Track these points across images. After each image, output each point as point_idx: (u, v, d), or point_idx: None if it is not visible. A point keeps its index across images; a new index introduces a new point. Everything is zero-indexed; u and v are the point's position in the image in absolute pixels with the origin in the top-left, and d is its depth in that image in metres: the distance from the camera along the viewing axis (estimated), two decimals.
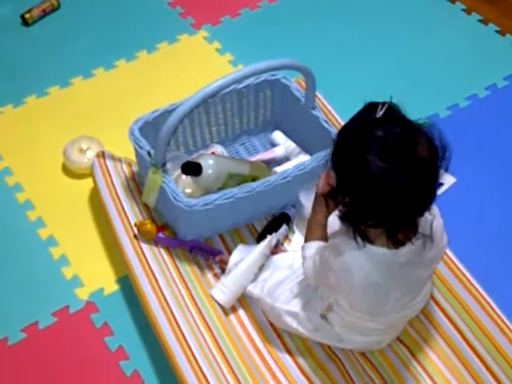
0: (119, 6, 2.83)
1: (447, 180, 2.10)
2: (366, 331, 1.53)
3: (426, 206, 1.28)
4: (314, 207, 1.56)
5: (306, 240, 1.56)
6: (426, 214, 1.31)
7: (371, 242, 1.32)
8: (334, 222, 1.53)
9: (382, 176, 1.19)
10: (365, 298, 1.43)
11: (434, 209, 1.38)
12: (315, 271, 1.48)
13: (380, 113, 1.23)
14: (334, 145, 1.30)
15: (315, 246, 1.51)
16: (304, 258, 1.53)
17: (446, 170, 1.26)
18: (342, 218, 1.32)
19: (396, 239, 1.30)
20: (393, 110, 1.25)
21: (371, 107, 1.26)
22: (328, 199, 1.42)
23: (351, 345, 1.59)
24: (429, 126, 1.25)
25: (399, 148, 1.19)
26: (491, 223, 2.07)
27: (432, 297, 1.70)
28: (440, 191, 1.27)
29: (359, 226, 1.31)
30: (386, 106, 1.24)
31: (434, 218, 1.36)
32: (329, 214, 1.53)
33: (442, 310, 1.70)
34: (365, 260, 1.34)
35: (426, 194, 1.25)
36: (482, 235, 2.03)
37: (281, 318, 1.63)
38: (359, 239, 1.31)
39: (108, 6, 2.83)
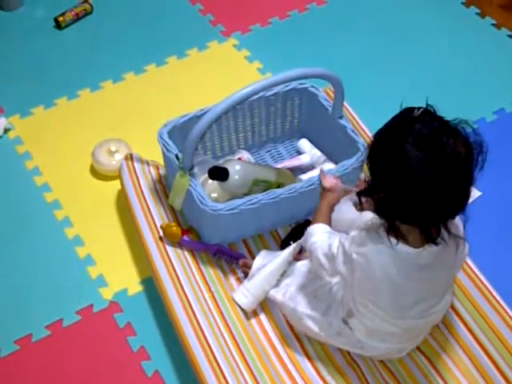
0: (150, 12, 2.87)
1: (472, 193, 2.09)
2: (386, 337, 1.54)
3: (459, 205, 1.29)
4: (319, 203, 1.65)
5: (314, 222, 1.61)
6: (459, 218, 1.33)
7: (404, 238, 1.34)
8: (348, 213, 1.58)
9: (418, 165, 1.22)
10: (380, 293, 1.44)
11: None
12: (328, 253, 1.49)
13: (417, 113, 1.27)
14: (372, 142, 1.34)
15: (325, 227, 1.57)
16: (313, 234, 1.56)
17: (482, 168, 1.28)
18: (376, 212, 1.35)
19: (429, 235, 1.32)
20: (429, 112, 1.29)
21: (408, 110, 1.30)
22: (362, 197, 1.42)
23: (372, 352, 1.60)
24: (464, 125, 1.28)
25: (434, 139, 1.23)
26: None
27: (453, 308, 1.71)
28: None
29: (394, 222, 1.32)
30: (422, 108, 1.28)
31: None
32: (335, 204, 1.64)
33: (463, 321, 1.70)
34: (387, 255, 1.36)
35: (460, 191, 1.27)
36: (506, 249, 2.03)
37: (302, 321, 1.64)
38: (391, 237, 1.33)
39: (139, 11, 2.88)
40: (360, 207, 1.45)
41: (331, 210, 1.64)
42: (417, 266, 1.37)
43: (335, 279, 1.60)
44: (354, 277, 1.44)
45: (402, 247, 1.35)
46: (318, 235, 1.55)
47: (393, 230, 1.34)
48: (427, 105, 1.30)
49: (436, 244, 1.33)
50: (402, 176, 1.24)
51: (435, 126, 1.25)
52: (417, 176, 1.23)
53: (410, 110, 1.29)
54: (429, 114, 1.28)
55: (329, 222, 1.61)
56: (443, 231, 1.31)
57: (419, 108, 1.28)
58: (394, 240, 1.34)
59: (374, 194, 1.34)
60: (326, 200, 1.66)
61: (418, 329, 1.56)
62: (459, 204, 1.29)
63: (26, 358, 1.80)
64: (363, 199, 1.39)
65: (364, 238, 1.39)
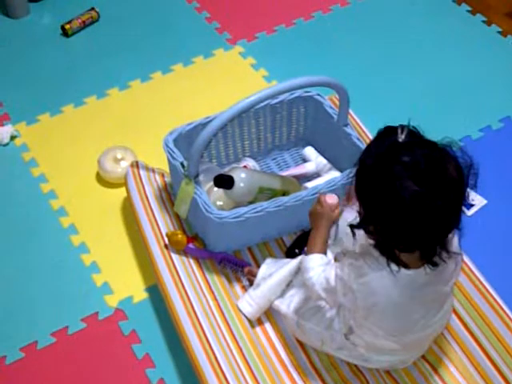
0: (157, 20, 2.87)
1: (478, 201, 2.10)
2: (389, 352, 1.53)
3: (455, 225, 1.28)
4: (316, 223, 1.58)
5: (309, 253, 1.56)
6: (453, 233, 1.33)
7: (404, 265, 1.33)
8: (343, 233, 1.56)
9: (417, 201, 1.19)
10: (384, 317, 1.43)
11: None
12: (327, 288, 1.47)
13: (402, 137, 1.24)
14: (359, 174, 1.30)
15: (320, 257, 1.53)
16: (309, 268, 1.52)
17: (475, 187, 1.26)
18: (376, 246, 1.33)
19: (431, 261, 1.31)
20: (413, 133, 1.26)
21: (389, 131, 1.27)
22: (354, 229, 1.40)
23: (376, 364, 1.60)
24: (452, 145, 1.26)
25: (431, 171, 1.20)
26: None
27: (457, 315, 1.71)
28: (471, 212, 1.27)
29: (393, 252, 1.31)
30: (406, 129, 1.25)
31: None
32: (331, 227, 1.57)
33: (467, 328, 1.70)
34: (388, 280, 1.35)
35: (457, 213, 1.26)
36: (504, 251, 2.03)
37: (305, 334, 1.63)
38: (392, 265, 1.32)
39: (146, 19, 2.88)
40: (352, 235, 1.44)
41: (329, 231, 1.59)
42: (418, 284, 1.36)
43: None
44: (356, 305, 1.43)
45: (403, 271, 1.34)
46: (315, 270, 1.51)
47: (393, 259, 1.32)
48: (409, 126, 1.26)
49: (437, 265, 1.32)
50: (400, 211, 1.21)
51: (427, 154, 1.21)
52: (416, 209, 1.20)
53: (391, 131, 1.25)
54: (413, 136, 1.25)
55: (325, 247, 1.57)
56: (441, 251, 1.30)
57: (402, 128, 1.24)
58: (394, 267, 1.33)
59: (368, 226, 1.32)
60: (325, 219, 1.56)
61: (419, 341, 1.55)
62: (454, 224, 1.28)
63: (32, 365, 1.80)
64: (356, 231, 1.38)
65: (362, 268, 1.37)
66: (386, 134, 1.27)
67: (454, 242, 1.37)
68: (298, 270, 1.72)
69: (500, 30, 2.80)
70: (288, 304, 1.67)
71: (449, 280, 1.45)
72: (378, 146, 1.28)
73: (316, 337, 1.61)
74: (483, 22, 2.84)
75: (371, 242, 1.36)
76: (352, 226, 1.38)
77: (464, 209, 1.28)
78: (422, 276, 1.35)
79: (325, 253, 1.56)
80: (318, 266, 1.52)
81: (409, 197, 1.19)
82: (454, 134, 1.28)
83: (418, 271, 1.34)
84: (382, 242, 1.31)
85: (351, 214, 1.57)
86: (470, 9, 2.90)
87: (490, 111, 2.47)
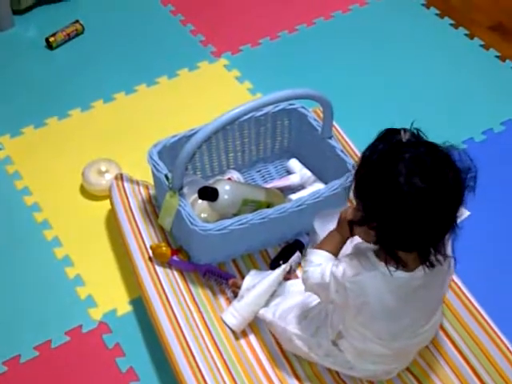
0: (141, 32, 2.87)
1: (461, 213, 2.10)
2: (376, 358, 1.53)
3: (452, 226, 1.31)
4: (337, 227, 1.55)
5: (317, 247, 1.56)
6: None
7: (403, 264, 1.34)
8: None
9: (421, 198, 1.22)
10: (375, 319, 1.44)
11: None
12: (321, 283, 1.47)
13: (405, 137, 1.27)
14: (361, 170, 1.32)
15: (325, 255, 1.51)
16: (310, 262, 1.52)
17: (474, 190, 1.30)
18: (376, 242, 1.35)
19: (428, 261, 1.33)
20: (416, 135, 1.29)
21: (392, 132, 1.30)
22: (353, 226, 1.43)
23: (361, 373, 1.60)
24: (452, 148, 1.30)
25: (437, 170, 1.23)
26: (502, 257, 2.08)
27: (442, 328, 1.71)
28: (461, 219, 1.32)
29: (393, 251, 1.33)
30: (408, 131, 1.29)
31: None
32: (349, 237, 1.53)
33: (452, 340, 1.70)
34: (381, 281, 1.36)
35: (454, 214, 1.29)
36: (495, 269, 2.04)
37: (292, 341, 1.63)
38: (389, 265, 1.34)
39: (131, 31, 2.88)
40: (350, 234, 1.46)
41: (344, 242, 1.56)
42: (411, 288, 1.38)
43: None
44: (347, 303, 1.44)
45: (397, 273, 1.35)
46: (313, 264, 1.51)
47: (393, 257, 1.33)
48: (411, 129, 1.30)
49: (433, 266, 1.34)
50: (405, 207, 1.23)
51: (432, 152, 1.25)
52: (420, 206, 1.23)
53: (393, 132, 1.29)
54: (416, 137, 1.29)
55: (336, 249, 1.54)
56: (437, 252, 1.32)
57: (405, 130, 1.28)
58: (391, 267, 1.34)
59: (368, 223, 1.33)
60: (346, 230, 1.50)
61: (407, 349, 1.55)
62: (451, 225, 1.31)
63: (14, 379, 1.79)
64: (355, 228, 1.40)
65: (356, 267, 1.39)
66: (388, 135, 1.30)
67: (448, 245, 1.39)
68: (282, 280, 1.74)
69: (482, 43, 2.81)
70: (273, 312, 1.67)
71: (442, 284, 1.46)
72: (382, 144, 1.30)
73: (302, 344, 1.61)
74: (466, 35, 2.85)
75: (367, 244, 1.39)
76: (352, 223, 1.40)
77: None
78: (415, 278, 1.36)
79: (334, 254, 1.53)
80: (318, 261, 1.51)
81: (414, 193, 1.22)
82: (454, 138, 1.33)
83: (412, 274, 1.35)
84: (382, 240, 1.33)
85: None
86: (452, 22, 2.91)
87: (473, 123, 2.48)
